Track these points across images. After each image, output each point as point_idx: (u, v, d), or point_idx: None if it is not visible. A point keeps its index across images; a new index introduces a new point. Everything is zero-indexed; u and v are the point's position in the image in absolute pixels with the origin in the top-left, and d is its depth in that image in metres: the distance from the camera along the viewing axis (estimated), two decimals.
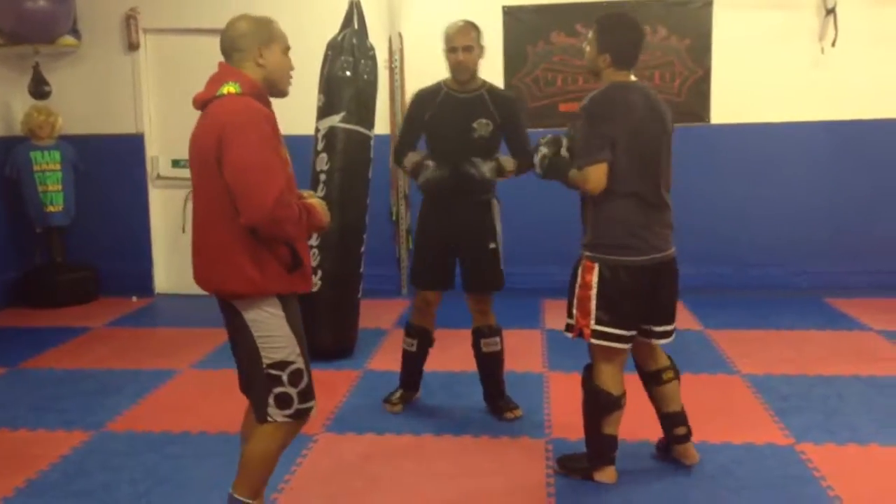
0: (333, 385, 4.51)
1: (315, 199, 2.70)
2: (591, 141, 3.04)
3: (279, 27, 2.70)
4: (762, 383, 4.41)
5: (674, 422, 3.38)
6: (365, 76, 4.90)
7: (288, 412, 2.63)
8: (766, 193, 6.39)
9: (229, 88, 2.54)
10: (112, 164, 6.68)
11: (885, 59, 6.18)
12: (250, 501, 2.68)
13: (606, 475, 3.30)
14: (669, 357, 3.40)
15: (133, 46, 6.56)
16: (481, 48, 3.84)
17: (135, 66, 6.61)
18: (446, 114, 3.84)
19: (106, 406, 4.28)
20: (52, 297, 6.42)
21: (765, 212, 6.41)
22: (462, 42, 3.76)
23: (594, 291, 3.12)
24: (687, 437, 3.39)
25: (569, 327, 3.26)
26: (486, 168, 3.78)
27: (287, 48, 2.70)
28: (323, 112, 4.91)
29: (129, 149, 6.67)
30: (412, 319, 4.09)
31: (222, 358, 4.14)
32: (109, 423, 4.06)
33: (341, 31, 4.99)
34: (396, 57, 6.37)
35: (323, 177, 4.87)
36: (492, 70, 6.38)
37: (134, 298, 6.62)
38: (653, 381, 3.37)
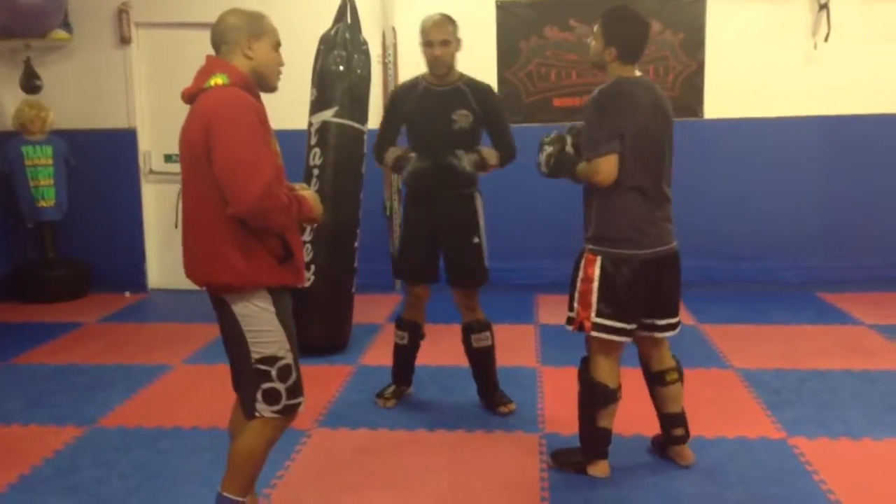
0: (327, 380, 4.51)
1: (307, 192, 2.69)
2: (601, 133, 3.03)
3: (271, 22, 2.69)
4: (755, 377, 4.42)
5: (673, 423, 3.38)
6: (358, 71, 4.88)
7: (276, 408, 2.61)
8: (759, 188, 6.40)
9: (217, 80, 2.53)
10: (104, 158, 6.65)
11: (878, 54, 6.19)
12: (239, 499, 2.66)
13: (600, 469, 3.31)
14: (676, 359, 3.40)
15: (125, 41, 6.53)
16: (458, 41, 3.82)
17: (127, 61, 6.57)
18: (425, 107, 3.83)
19: (98, 401, 4.27)
20: (44, 292, 6.40)
21: (757, 206, 6.42)
22: (438, 36, 3.75)
23: (596, 284, 3.13)
24: (684, 439, 3.39)
25: (569, 320, 3.26)
26: (468, 160, 3.76)
27: (278, 44, 2.69)
28: (316, 107, 4.90)
29: (121, 144, 6.64)
30: (403, 313, 4.10)
31: (215, 353, 4.13)
32: (101, 419, 4.05)
33: (334, 25, 4.97)
34: (390, 51, 6.35)
35: (316, 171, 4.85)
36: (485, 65, 6.38)
37: (126, 294, 6.61)
38: (656, 381, 3.37)
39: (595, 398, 3.23)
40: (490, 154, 3.85)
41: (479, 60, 6.34)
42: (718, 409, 3.97)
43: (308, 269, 4.85)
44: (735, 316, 5.59)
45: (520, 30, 6.40)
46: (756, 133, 6.32)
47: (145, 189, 6.72)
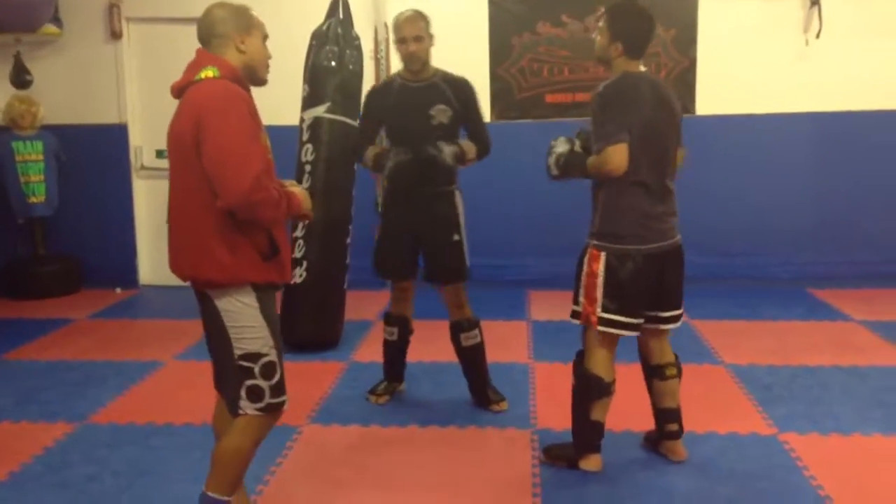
0: (319, 376, 4.51)
1: (297, 188, 2.68)
2: (609, 125, 3.04)
3: (257, 15, 2.67)
4: (746, 373, 4.43)
5: (668, 418, 3.39)
6: (350, 66, 4.87)
7: (259, 405, 2.58)
8: (751, 184, 6.41)
9: (207, 73, 2.52)
10: (95, 154, 6.63)
11: (870, 50, 6.20)
12: (224, 498, 2.61)
13: (592, 463, 3.32)
14: (675, 354, 3.41)
15: (116, 35, 6.50)
16: (431, 37, 3.80)
17: (118, 56, 6.54)
18: (403, 104, 3.81)
19: (89, 398, 4.26)
20: (35, 288, 6.38)
21: (749, 203, 6.43)
22: (411, 32, 3.74)
23: (601, 280, 3.14)
24: (678, 435, 3.40)
25: (575, 314, 3.27)
26: (449, 151, 3.73)
27: (266, 36, 2.68)
28: (308, 102, 4.89)
29: (112, 139, 6.62)
30: (390, 309, 4.09)
31: (206, 350, 4.11)
32: (92, 415, 4.03)
33: (326, 20, 4.96)
34: (382, 47, 6.33)
35: (308, 167, 4.85)
36: (477, 61, 6.39)
37: (118, 290, 6.59)
38: (655, 374, 3.39)
39: (590, 390, 3.24)
40: (469, 147, 3.83)
41: (471, 56, 6.36)
42: (709, 404, 3.98)
43: (300, 265, 4.84)
44: (726, 312, 5.61)
45: (512, 26, 6.39)
46: (748, 129, 6.33)
47: (136, 185, 6.70)
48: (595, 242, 3.18)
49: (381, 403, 4.10)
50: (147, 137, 6.62)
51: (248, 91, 2.60)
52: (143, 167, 6.66)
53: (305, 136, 4.88)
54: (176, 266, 2.62)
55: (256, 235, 2.53)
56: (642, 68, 3.20)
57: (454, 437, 3.72)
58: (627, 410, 3.60)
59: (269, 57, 2.70)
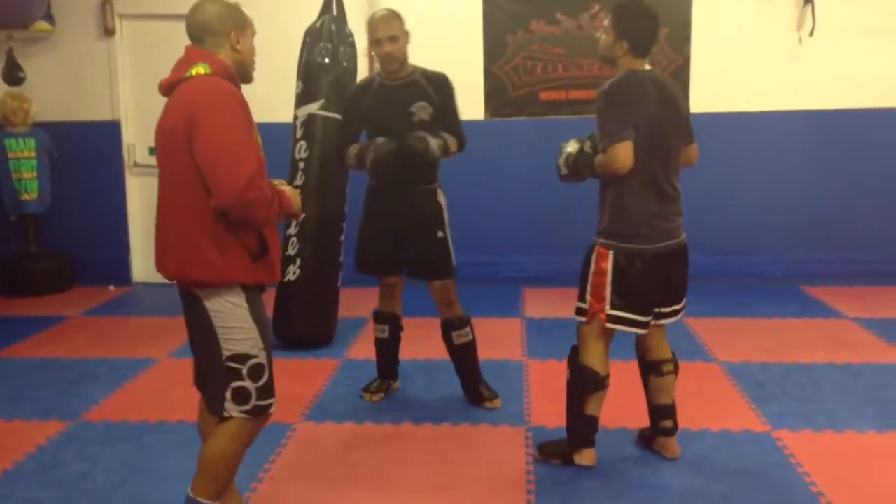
0: (313, 374, 4.50)
1: (287, 187, 2.64)
2: (614, 123, 3.03)
3: (247, 10, 2.65)
4: (739, 371, 4.44)
5: (663, 414, 3.40)
6: (344, 63, 4.87)
7: (245, 408, 2.53)
8: (744, 182, 6.42)
9: (199, 69, 2.48)
10: (88, 151, 6.61)
11: (863, 48, 6.21)
12: (210, 502, 2.57)
13: (586, 457, 3.33)
14: (673, 351, 3.42)
15: (109, 32, 6.48)
16: (407, 35, 3.79)
17: (110, 52, 6.53)
18: (383, 103, 3.79)
19: (82, 396, 4.25)
20: (28, 285, 6.36)
21: (742, 200, 6.45)
22: (386, 33, 3.72)
23: (609, 278, 3.14)
24: (672, 431, 3.41)
25: (580, 311, 3.27)
26: (435, 143, 3.69)
27: (255, 32, 2.66)
28: (301, 99, 4.88)
29: (105, 136, 6.60)
30: (379, 306, 4.08)
31: None
32: (86, 413, 4.02)
33: (320, 17, 4.95)
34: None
35: (302, 165, 4.84)
36: (471, 58, 6.39)
37: (111, 287, 6.57)
38: (652, 370, 3.39)
39: (585, 384, 3.25)
40: (452, 140, 3.81)
41: (465, 54, 6.37)
42: (703, 402, 3.99)
43: (294, 262, 4.84)
44: (720, 309, 5.61)
45: (506, 23, 6.39)
46: (741, 127, 6.34)
47: (129, 182, 6.68)
48: (603, 241, 3.19)
49: (375, 401, 4.10)
50: (140, 134, 6.61)
51: (239, 89, 2.57)
52: (136, 164, 6.65)
53: (299, 133, 4.87)
54: (163, 265, 2.57)
55: (246, 235, 2.49)
56: (647, 67, 3.20)
57: (448, 435, 3.72)
58: (621, 408, 3.61)
59: (255, 54, 2.68)
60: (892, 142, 6.34)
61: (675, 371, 3.41)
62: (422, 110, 3.75)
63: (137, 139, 6.62)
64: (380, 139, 3.71)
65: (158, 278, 2.67)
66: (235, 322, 2.51)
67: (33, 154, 6.38)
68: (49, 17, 6.40)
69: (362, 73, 5.51)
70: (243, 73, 2.62)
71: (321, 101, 4.79)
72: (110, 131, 6.60)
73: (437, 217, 3.87)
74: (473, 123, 6.11)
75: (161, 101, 2.59)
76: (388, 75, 3.82)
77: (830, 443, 3.57)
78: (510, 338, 5.12)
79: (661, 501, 3.11)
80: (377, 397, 4.12)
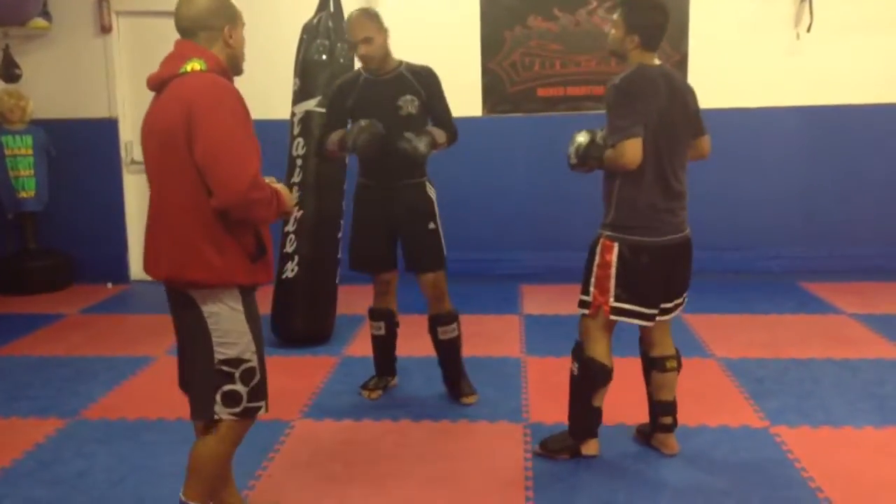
0: (311, 371, 4.50)
1: (279, 185, 2.58)
2: (624, 119, 3.03)
3: (240, 5, 2.62)
4: (737, 367, 4.45)
5: (663, 410, 3.41)
6: (341, 60, 4.85)
7: (235, 410, 2.49)
8: (742, 178, 6.43)
9: (194, 65, 2.42)
10: (85, 148, 6.60)
11: (861, 44, 6.22)
12: None
13: (592, 448, 3.37)
14: (676, 348, 3.43)
15: (105, 29, 6.47)
16: (383, 33, 3.75)
17: (107, 49, 6.52)
18: (369, 97, 3.78)
19: (80, 393, 4.25)
20: (26, 283, 6.35)
21: (740, 196, 6.45)
22: (359, 35, 3.70)
23: (614, 270, 3.15)
24: (671, 428, 3.42)
25: (584, 303, 3.27)
26: (422, 142, 3.68)
27: (244, 24, 2.61)
28: (298, 96, 4.87)
29: (102, 133, 6.59)
30: (374, 304, 4.08)
31: None
32: (84, 411, 4.02)
33: (317, 14, 4.94)
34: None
35: (299, 162, 4.83)
36: (469, 55, 6.39)
37: (109, 285, 6.57)
38: (655, 366, 3.40)
39: (594, 377, 3.26)
40: (439, 134, 3.80)
41: (462, 50, 6.36)
42: (701, 398, 3.99)
43: (291, 259, 4.84)
44: (717, 305, 5.62)
45: (504, 19, 6.38)
46: (739, 123, 6.33)
47: (127, 179, 6.67)
48: (608, 233, 3.19)
49: (373, 398, 4.10)
50: (137, 132, 6.45)
51: (233, 83, 2.52)
52: (133, 162, 6.63)
53: (296, 130, 4.87)
54: (155, 266, 2.50)
55: (244, 235, 2.46)
56: (657, 61, 3.19)
57: (447, 431, 3.72)
58: (620, 404, 3.61)
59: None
60: (889, 137, 6.34)
61: (679, 368, 3.41)
62: (408, 104, 3.75)
63: (135, 136, 6.61)
64: (364, 121, 3.68)
65: None
66: (231, 325, 2.46)
67: (30, 152, 6.37)
68: (45, 14, 6.39)
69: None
70: (235, 66, 2.58)
71: (318, 98, 4.77)
72: (107, 128, 6.59)
73: (428, 210, 3.87)
74: (471, 120, 6.15)
75: None
76: (371, 72, 3.81)
77: (828, 438, 3.58)
78: (508, 334, 5.12)
79: (659, 497, 3.11)
80: (375, 394, 4.12)
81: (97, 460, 3.47)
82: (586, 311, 3.26)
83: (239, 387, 2.48)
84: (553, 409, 3.73)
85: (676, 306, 3.34)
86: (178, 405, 3.95)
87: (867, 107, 6.29)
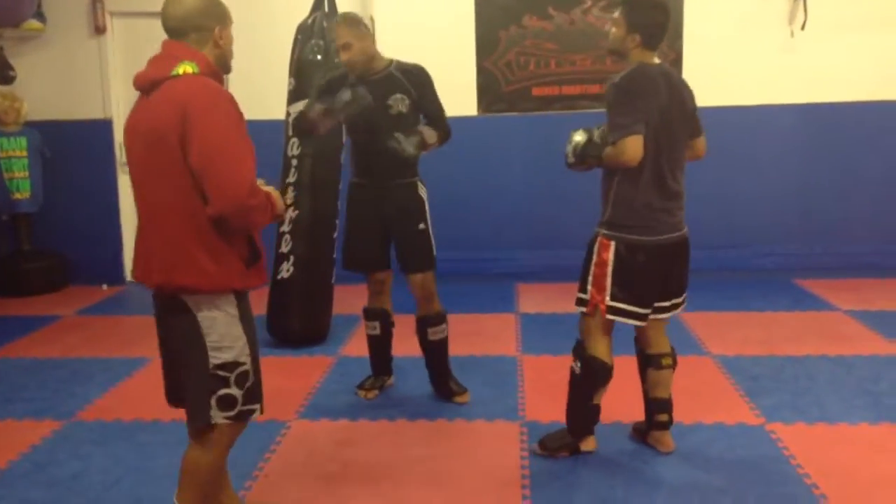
0: (307, 371, 4.50)
1: (269, 187, 2.52)
2: (626, 116, 3.03)
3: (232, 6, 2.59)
4: (733, 364, 4.45)
5: (659, 408, 3.41)
6: (336, 60, 4.84)
7: (230, 413, 2.46)
8: (737, 176, 6.44)
9: (186, 68, 2.37)
10: (80, 150, 6.59)
11: (855, 42, 6.23)
12: None
13: (591, 444, 3.39)
14: (672, 346, 3.44)
15: (99, 30, 6.46)
16: (363, 39, 3.73)
17: (102, 50, 6.51)
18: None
19: (76, 395, 4.24)
20: (21, 285, 6.34)
21: (736, 194, 6.46)
22: (338, 42, 3.73)
23: (610, 269, 3.15)
24: (667, 425, 3.42)
25: (581, 301, 3.27)
26: (409, 142, 3.67)
27: (232, 22, 2.58)
28: (294, 96, 4.86)
29: (97, 134, 6.58)
30: (369, 303, 4.08)
31: None
32: (80, 412, 4.02)
33: (311, 13, 4.94)
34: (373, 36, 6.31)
35: (294, 162, 4.83)
36: (464, 54, 6.39)
37: (104, 286, 6.56)
38: (650, 363, 3.41)
39: (596, 375, 3.27)
40: (429, 133, 3.79)
41: (457, 50, 6.36)
42: (696, 395, 3.99)
43: (287, 260, 4.83)
44: (712, 303, 5.62)
45: (499, 19, 6.39)
46: (733, 121, 6.34)
47: (122, 180, 6.65)
48: (605, 231, 3.19)
49: (369, 398, 4.10)
50: None
51: (223, 83, 2.49)
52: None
53: (292, 131, 4.86)
54: (146, 273, 2.45)
55: (238, 240, 2.42)
56: (656, 60, 3.19)
57: (443, 431, 3.72)
58: (615, 402, 3.61)
59: None
60: (884, 135, 6.36)
61: (674, 365, 3.42)
62: (399, 102, 3.75)
63: None
64: (348, 93, 3.63)
65: None
66: (226, 330, 2.43)
67: (25, 153, 6.36)
68: (40, 16, 6.38)
69: None
70: (225, 66, 2.54)
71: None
72: (102, 130, 6.58)
73: (418, 210, 3.87)
74: (466, 119, 6.15)
75: None
76: (358, 75, 3.80)
77: (824, 435, 3.58)
78: (504, 333, 5.12)
79: (655, 495, 3.11)
80: (372, 394, 4.12)
81: (93, 462, 3.47)
82: (584, 310, 3.27)
83: (234, 390, 2.45)
84: (549, 408, 3.74)
85: (674, 306, 3.33)
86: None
87: (862, 104, 6.31)
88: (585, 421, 3.36)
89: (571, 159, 3.29)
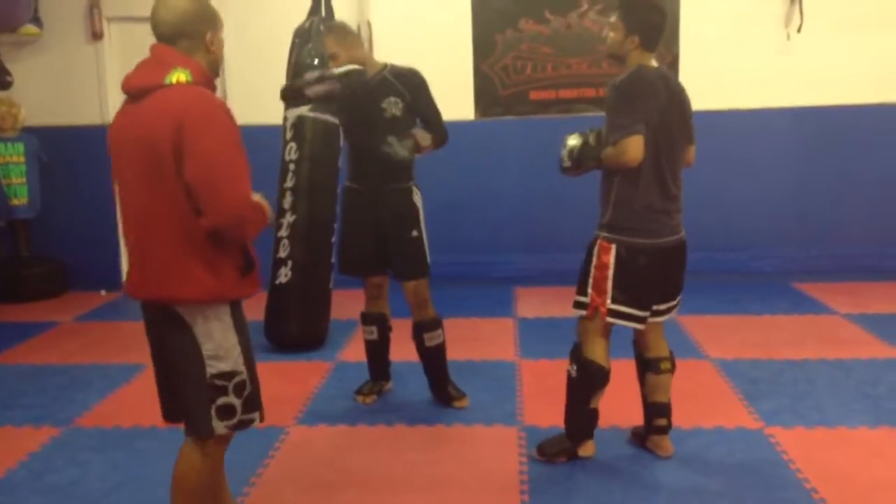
0: (305, 377, 4.49)
1: (258, 196, 2.45)
2: (626, 117, 3.03)
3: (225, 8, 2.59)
4: (731, 368, 4.45)
5: (657, 412, 3.41)
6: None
7: (231, 423, 2.44)
8: (734, 179, 6.44)
9: (179, 76, 2.30)
10: (77, 155, 6.58)
11: (851, 44, 6.24)
12: None
13: (589, 449, 3.38)
14: (670, 350, 3.43)
15: (97, 35, 6.46)
16: (349, 49, 3.75)
17: (99, 56, 6.51)
18: (353, 101, 3.78)
19: (75, 401, 4.23)
20: (19, 291, 6.33)
21: (732, 197, 6.46)
22: (327, 51, 3.79)
23: (611, 272, 3.15)
24: (666, 429, 3.42)
25: (580, 304, 3.27)
26: (401, 145, 3.68)
27: (223, 25, 2.53)
28: None
29: (94, 140, 6.51)
30: (366, 308, 4.08)
31: None
32: (78, 419, 4.01)
33: (308, 18, 4.94)
34: (365, 45, 6.31)
35: (292, 166, 4.83)
36: (461, 58, 6.40)
37: (102, 292, 6.54)
38: (649, 368, 3.40)
39: (592, 379, 3.26)
40: (423, 136, 3.79)
41: (454, 53, 6.37)
42: (695, 399, 3.99)
43: (285, 264, 4.83)
44: (711, 306, 5.63)
45: (495, 22, 6.39)
46: (730, 124, 6.35)
47: None
48: (605, 234, 3.19)
49: (368, 403, 4.09)
50: None
51: (214, 90, 2.45)
52: None
53: (289, 135, 4.86)
54: (139, 286, 2.41)
55: (233, 251, 2.39)
56: (654, 63, 3.20)
57: (442, 436, 3.72)
58: (614, 406, 3.61)
59: None
60: (880, 137, 6.36)
61: (672, 369, 3.42)
62: (392, 106, 3.75)
63: None
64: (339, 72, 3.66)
65: None
66: (222, 341, 2.40)
67: (22, 159, 6.35)
68: (36, 21, 6.38)
69: None
70: (215, 71, 2.49)
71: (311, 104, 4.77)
72: (99, 135, 6.46)
73: (412, 216, 3.87)
74: (463, 123, 6.15)
75: None
76: None
77: (823, 439, 3.58)
78: (503, 338, 5.12)
79: (654, 499, 3.11)
80: (370, 399, 4.12)
81: (91, 468, 3.46)
82: (583, 313, 3.27)
83: (232, 399, 2.43)
84: (548, 412, 3.73)
85: (670, 308, 3.34)
86: None
87: (858, 107, 6.31)
88: (583, 425, 3.36)
89: (568, 163, 3.28)
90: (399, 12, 6.36)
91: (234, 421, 2.46)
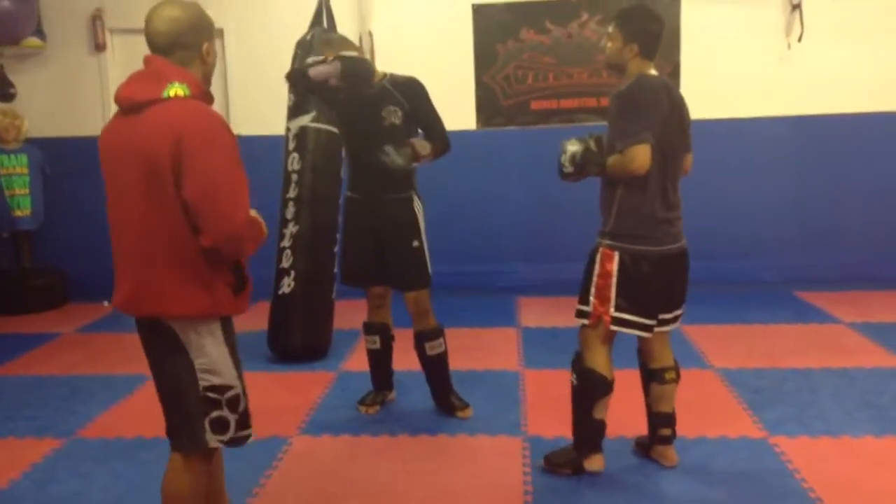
0: (308, 387, 4.49)
1: (253, 211, 2.41)
2: (632, 125, 3.02)
3: (216, 15, 2.54)
4: (735, 377, 4.45)
5: (662, 422, 3.40)
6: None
7: (224, 437, 2.42)
8: (735, 188, 6.44)
9: (177, 90, 2.26)
10: (80, 166, 6.55)
11: (851, 53, 6.25)
12: None
13: (595, 463, 3.33)
14: (675, 359, 3.42)
15: (99, 47, 6.49)
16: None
17: (101, 67, 6.54)
18: (352, 109, 3.80)
19: (77, 412, 4.23)
20: (21, 302, 6.33)
21: (734, 206, 6.46)
22: None
23: (614, 279, 3.14)
24: (670, 440, 3.41)
25: (582, 313, 3.26)
26: (399, 154, 3.67)
27: (215, 34, 2.51)
28: (293, 112, 4.88)
29: (97, 151, 6.55)
30: (368, 317, 4.08)
31: None
32: (81, 430, 4.01)
33: (310, 29, 4.96)
34: (367, 56, 6.33)
35: (295, 177, 4.84)
36: (462, 68, 6.42)
37: (105, 303, 6.53)
38: (654, 377, 3.39)
39: (594, 388, 3.25)
40: (422, 145, 3.77)
41: (456, 64, 6.39)
42: (699, 409, 3.98)
43: (288, 275, 4.83)
44: (714, 316, 5.62)
45: (496, 33, 6.41)
46: (731, 133, 6.36)
47: None
48: (608, 242, 3.18)
49: (371, 413, 4.09)
50: None
51: (211, 103, 2.42)
52: None
53: (291, 146, 4.87)
54: (132, 302, 2.39)
55: (225, 268, 2.37)
56: (654, 71, 3.20)
57: (445, 446, 3.71)
58: (618, 416, 3.59)
59: None
60: (881, 145, 6.37)
61: (677, 379, 3.41)
62: (392, 115, 3.76)
63: None
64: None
65: None
66: (214, 355, 2.38)
67: (26, 170, 6.37)
68: (40, 33, 6.41)
69: None
70: (208, 81, 2.46)
71: (313, 114, 4.79)
72: None
73: (412, 226, 3.86)
74: (465, 133, 6.17)
75: None
76: None
77: (827, 448, 3.57)
78: (506, 347, 5.11)
79: None
80: (373, 409, 4.11)
81: (94, 479, 3.45)
82: (585, 322, 3.26)
83: (226, 413, 2.42)
84: (552, 423, 3.73)
85: (675, 318, 3.33)
86: None
87: (859, 115, 6.32)
88: (589, 436, 3.33)
89: (569, 168, 3.26)
90: (400, 23, 6.38)
91: (228, 437, 2.44)
